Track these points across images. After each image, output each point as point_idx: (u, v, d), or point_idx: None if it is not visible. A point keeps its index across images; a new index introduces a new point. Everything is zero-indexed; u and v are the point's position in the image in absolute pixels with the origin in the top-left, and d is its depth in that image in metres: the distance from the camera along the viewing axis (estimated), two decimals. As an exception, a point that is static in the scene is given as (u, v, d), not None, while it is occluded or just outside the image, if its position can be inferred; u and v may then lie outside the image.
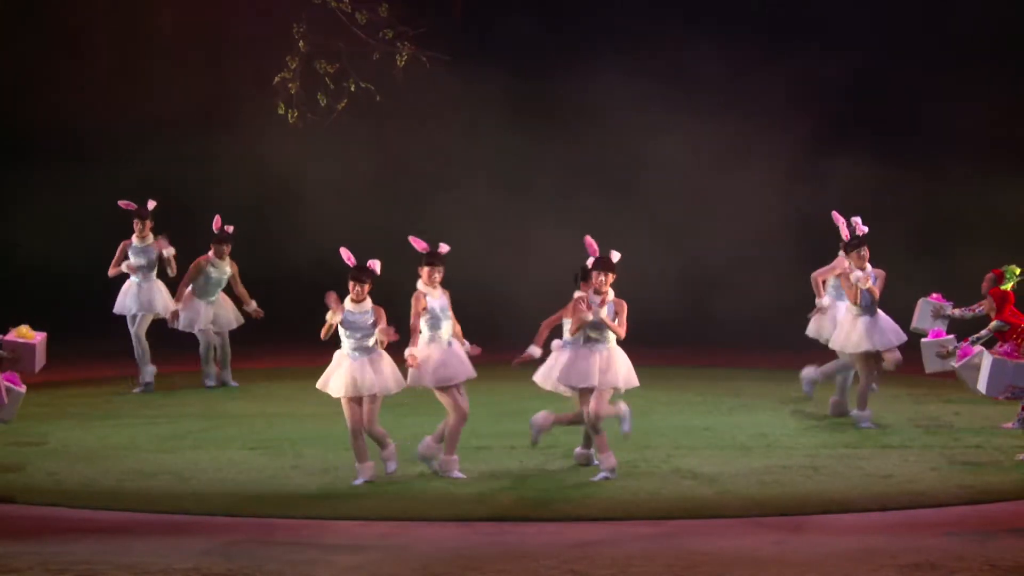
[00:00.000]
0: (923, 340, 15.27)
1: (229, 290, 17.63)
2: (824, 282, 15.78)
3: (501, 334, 15.12)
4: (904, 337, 14.98)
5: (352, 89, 20.01)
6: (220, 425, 15.24)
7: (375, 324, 12.15)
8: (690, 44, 22.48)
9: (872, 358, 14.87)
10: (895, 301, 15.51)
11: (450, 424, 12.45)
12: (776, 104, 22.65)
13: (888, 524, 10.98)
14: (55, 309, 22.78)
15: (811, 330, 15.94)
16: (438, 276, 12.38)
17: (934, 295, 15.64)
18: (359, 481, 12.19)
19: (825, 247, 16.12)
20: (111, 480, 12.46)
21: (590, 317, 12.24)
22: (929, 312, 15.51)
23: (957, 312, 15.41)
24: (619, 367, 12.38)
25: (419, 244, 12.45)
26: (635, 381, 12.52)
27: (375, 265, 12.26)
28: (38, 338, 13.76)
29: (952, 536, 10.55)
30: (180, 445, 14.06)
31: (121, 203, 17.45)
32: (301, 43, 19.74)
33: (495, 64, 22.53)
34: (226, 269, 17.40)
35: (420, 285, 12.39)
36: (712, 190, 23.07)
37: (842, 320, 15.12)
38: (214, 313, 17.44)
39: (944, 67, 22.59)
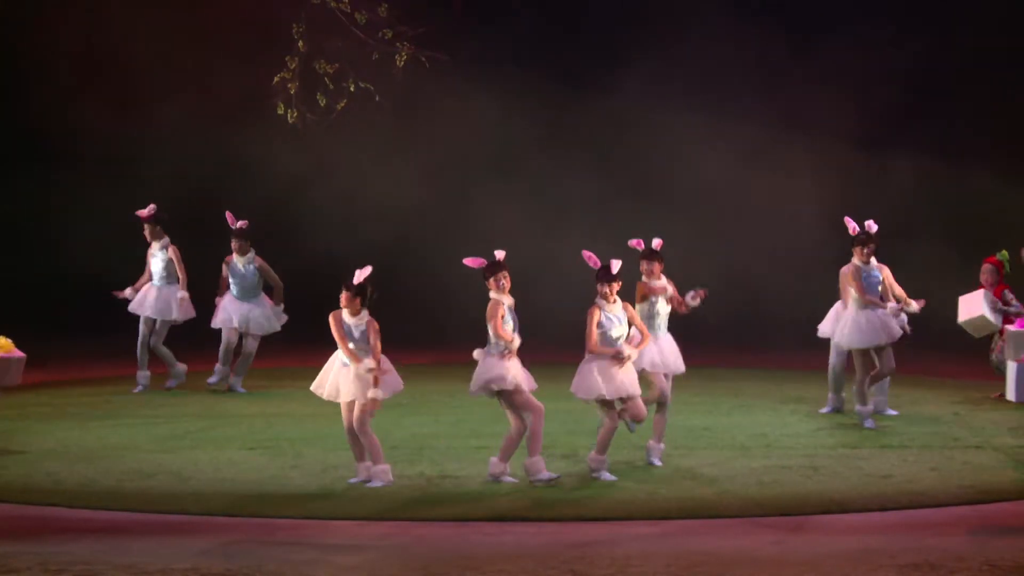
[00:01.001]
0: (1011, 330, 15.24)
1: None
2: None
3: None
4: (896, 335, 14.89)
5: (352, 89, 20.01)
6: (219, 425, 15.24)
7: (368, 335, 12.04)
8: (695, 41, 22.41)
9: (868, 354, 14.87)
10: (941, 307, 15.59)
11: (532, 425, 12.19)
12: (798, 102, 22.49)
13: (887, 524, 10.97)
14: (57, 309, 22.86)
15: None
16: (505, 282, 12.17)
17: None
18: (355, 480, 12.18)
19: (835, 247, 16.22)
20: (110, 480, 12.44)
21: (627, 353, 12.19)
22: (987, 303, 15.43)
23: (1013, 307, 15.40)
24: (624, 375, 12.31)
25: (475, 263, 12.24)
26: (638, 388, 12.43)
27: (364, 273, 12.06)
28: (15, 354, 13.73)
29: (952, 536, 10.54)
30: (179, 445, 14.05)
31: (141, 213, 17.42)
32: (300, 43, 19.75)
33: (497, 63, 22.49)
34: (249, 266, 17.30)
35: (492, 295, 12.19)
36: (720, 191, 23.01)
37: (843, 314, 15.10)
38: (250, 315, 17.37)
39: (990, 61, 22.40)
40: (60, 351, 21.31)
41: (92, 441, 14.25)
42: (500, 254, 12.33)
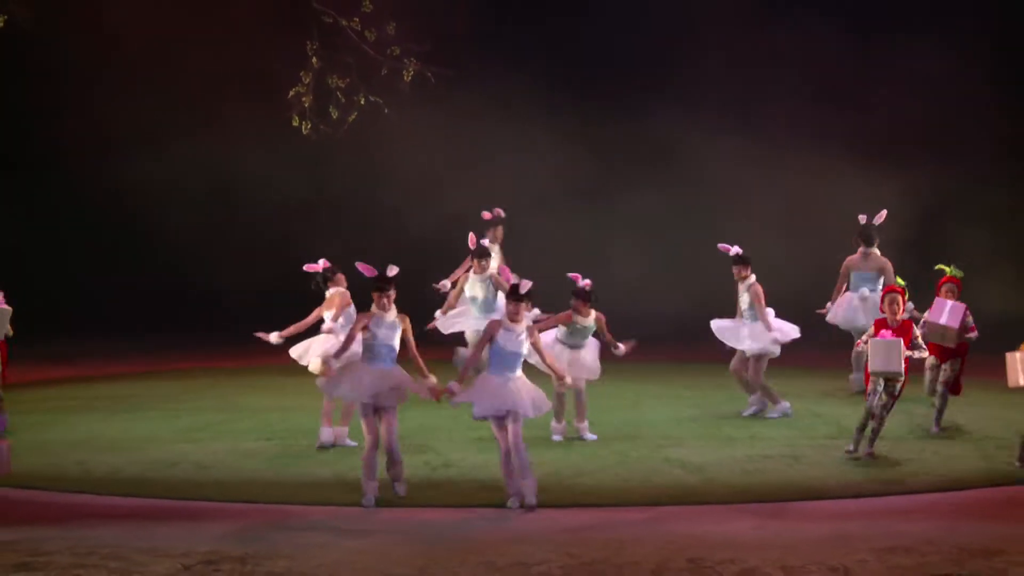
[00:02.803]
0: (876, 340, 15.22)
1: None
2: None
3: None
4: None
5: (362, 103, 20.04)
6: (237, 418, 15.30)
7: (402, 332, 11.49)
8: (704, 47, 22.36)
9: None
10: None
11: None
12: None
13: (863, 510, 11.02)
14: (67, 310, 22.91)
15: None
16: (386, 300, 11.37)
17: None
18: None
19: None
20: (135, 469, 12.51)
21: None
22: None
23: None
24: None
25: (366, 270, 11.54)
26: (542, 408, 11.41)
27: (394, 270, 11.46)
28: None
29: (924, 522, 10.58)
30: (200, 436, 14.12)
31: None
32: (314, 59, 19.78)
33: (503, 73, 22.48)
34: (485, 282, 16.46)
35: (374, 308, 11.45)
36: (720, 191, 22.97)
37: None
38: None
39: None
40: (85, 348, 21.40)
41: (117, 432, 14.33)
42: (391, 271, 11.46)
